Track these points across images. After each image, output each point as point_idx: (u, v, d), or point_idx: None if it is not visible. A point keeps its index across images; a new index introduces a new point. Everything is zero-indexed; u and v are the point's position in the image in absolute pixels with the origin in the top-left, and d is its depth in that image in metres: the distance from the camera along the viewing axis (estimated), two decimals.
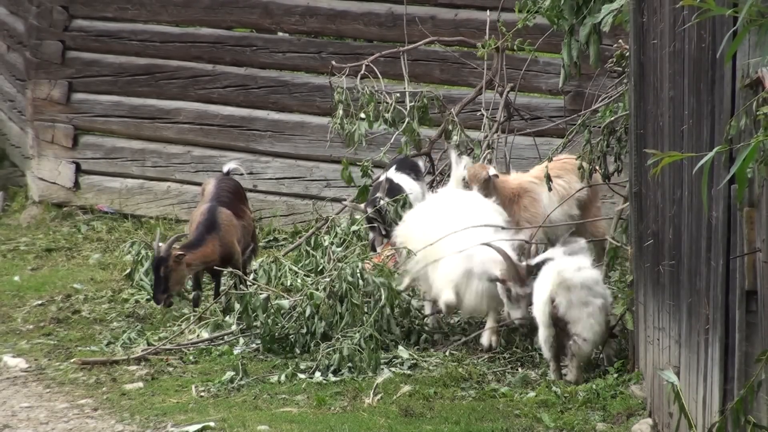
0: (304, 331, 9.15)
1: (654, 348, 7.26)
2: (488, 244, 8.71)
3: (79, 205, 14.06)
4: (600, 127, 9.84)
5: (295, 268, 9.87)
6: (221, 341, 9.52)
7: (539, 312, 8.28)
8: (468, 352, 9.15)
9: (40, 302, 10.99)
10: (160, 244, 9.84)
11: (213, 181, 10.69)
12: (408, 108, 10.57)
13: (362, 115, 10.49)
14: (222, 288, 10.44)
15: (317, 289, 9.21)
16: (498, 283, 8.75)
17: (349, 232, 10.36)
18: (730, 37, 4.94)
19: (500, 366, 8.86)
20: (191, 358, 9.24)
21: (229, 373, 8.66)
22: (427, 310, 9.52)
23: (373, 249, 10.20)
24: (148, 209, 13.81)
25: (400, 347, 9.08)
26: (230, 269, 10.11)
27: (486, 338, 9.07)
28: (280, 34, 13.42)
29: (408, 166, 10.61)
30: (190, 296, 10.35)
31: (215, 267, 10.11)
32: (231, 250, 10.10)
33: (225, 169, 10.87)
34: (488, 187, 9.76)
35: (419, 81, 12.38)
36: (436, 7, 12.69)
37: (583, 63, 9.43)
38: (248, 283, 9.71)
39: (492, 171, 9.82)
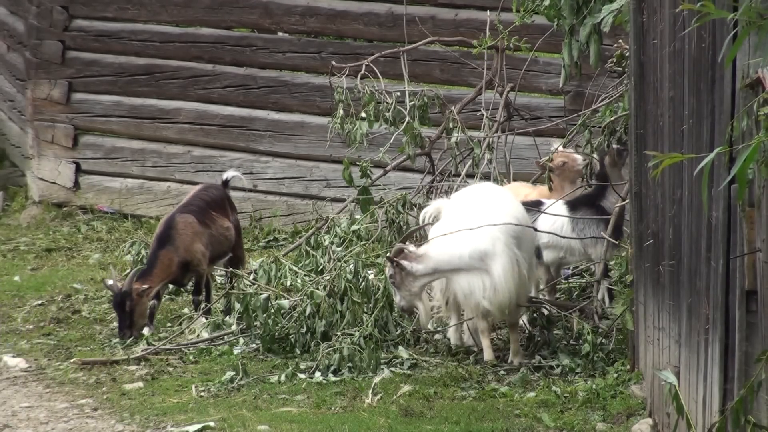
0: (304, 330, 9.16)
1: (654, 348, 7.27)
2: None
3: (79, 205, 14.06)
4: (600, 127, 9.85)
5: (295, 268, 9.87)
6: (221, 341, 9.53)
7: None
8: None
9: (40, 302, 11.00)
10: (110, 281, 9.75)
11: (193, 190, 10.64)
12: (408, 107, 10.56)
13: (363, 115, 10.49)
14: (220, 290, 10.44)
15: (317, 288, 9.23)
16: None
17: (349, 232, 10.36)
18: (730, 41, 4.94)
19: (500, 366, 8.87)
20: (191, 358, 9.24)
21: (229, 373, 8.66)
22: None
23: None
24: (148, 209, 13.82)
25: (401, 347, 9.08)
26: (231, 269, 10.13)
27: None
28: (280, 34, 13.42)
29: None
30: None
31: (177, 277, 10.02)
32: (189, 257, 9.96)
33: (225, 176, 10.80)
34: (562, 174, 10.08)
35: (419, 81, 12.38)
36: (436, 7, 12.70)
37: (584, 63, 9.44)
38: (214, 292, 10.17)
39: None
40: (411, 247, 8.93)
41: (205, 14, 13.55)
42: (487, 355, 8.87)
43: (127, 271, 10.05)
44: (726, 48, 4.98)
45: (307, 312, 9.15)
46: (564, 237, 9.46)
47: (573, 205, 9.58)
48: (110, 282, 9.76)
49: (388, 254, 9.04)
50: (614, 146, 9.55)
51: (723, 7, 4.82)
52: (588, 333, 8.78)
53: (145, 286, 9.69)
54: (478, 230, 8.66)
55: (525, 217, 8.98)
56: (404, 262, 8.81)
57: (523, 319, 9.38)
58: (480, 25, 11.67)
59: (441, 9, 12.67)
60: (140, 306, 9.71)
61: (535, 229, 9.19)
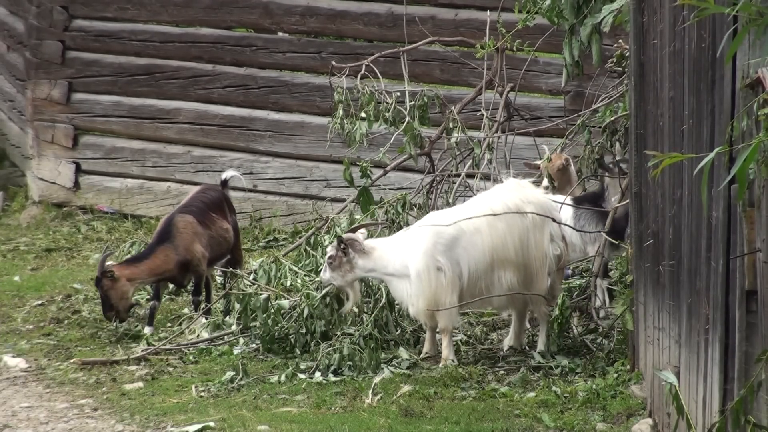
0: (304, 331, 9.17)
1: (654, 348, 7.27)
2: None
3: (79, 205, 14.06)
4: (600, 128, 9.86)
5: (295, 268, 9.86)
6: (221, 341, 9.53)
7: None
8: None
9: (40, 302, 11.00)
10: (109, 261, 9.84)
11: (192, 191, 10.65)
12: (408, 107, 10.56)
13: (363, 115, 10.48)
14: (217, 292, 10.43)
15: (316, 289, 9.24)
16: None
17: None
18: (729, 37, 4.94)
19: (500, 366, 8.87)
20: (191, 358, 9.24)
21: (229, 373, 8.66)
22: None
23: None
24: (148, 209, 13.82)
25: (401, 347, 9.09)
26: (231, 269, 10.13)
27: None
28: (280, 34, 13.42)
29: None
30: (147, 307, 10.14)
31: (176, 277, 10.04)
32: (189, 256, 9.96)
33: (224, 176, 10.81)
34: (563, 176, 10.19)
35: (419, 81, 12.38)
36: (436, 7, 12.70)
37: (584, 62, 9.44)
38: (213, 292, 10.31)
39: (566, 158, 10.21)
40: (363, 239, 9.01)
41: (205, 14, 13.55)
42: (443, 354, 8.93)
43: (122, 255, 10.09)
44: (725, 44, 4.99)
45: (305, 313, 9.16)
46: (571, 227, 9.60)
47: (578, 201, 9.78)
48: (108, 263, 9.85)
49: (338, 234, 9.10)
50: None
51: (723, 5, 4.82)
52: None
53: (114, 269, 9.67)
54: (409, 236, 8.90)
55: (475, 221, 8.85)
56: (350, 250, 8.89)
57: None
58: (480, 25, 11.68)
59: (441, 9, 12.67)
60: (115, 290, 9.70)
61: (558, 222, 9.19)
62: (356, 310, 9.29)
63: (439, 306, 8.73)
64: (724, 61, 5.20)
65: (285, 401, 8.22)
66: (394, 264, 8.88)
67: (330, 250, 9.03)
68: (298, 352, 9.14)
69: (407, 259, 8.82)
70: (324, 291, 9.18)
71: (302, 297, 9.25)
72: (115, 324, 9.84)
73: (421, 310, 8.78)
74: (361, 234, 9.09)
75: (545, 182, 10.12)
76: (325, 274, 9.05)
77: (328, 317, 9.17)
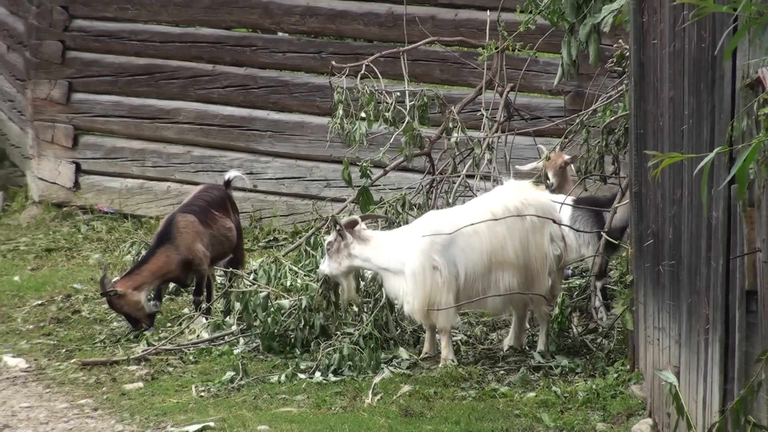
0: (302, 324, 9.16)
1: (654, 348, 7.27)
2: None
3: (79, 205, 14.06)
4: (600, 128, 9.86)
5: (295, 268, 9.87)
6: (221, 341, 9.53)
7: None
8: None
9: (40, 302, 11.00)
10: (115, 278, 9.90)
11: (195, 190, 10.66)
12: (408, 107, 10.56)
13: (363, 115, 10.49)
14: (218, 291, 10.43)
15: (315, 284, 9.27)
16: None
17: None
18: (729, 35, 4.94)
19: (500, 366, 8.87)
20: (191, 358, 9.24)
21: (229, 373, 8.67)
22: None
23: None
24: (148, 209, 13.82)
25: (401, 348, 9.09)
26: (231, 269, 10.13)
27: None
28: (280, 34, 13.43)
29: None
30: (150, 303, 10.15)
31: (180, 277, 10.06)
32: (191, 255, 9.96)
33: (227, 176, 10.80)
34: (563, 174, 10.16)
35: (419, 81, 12.38)
36: (436, 7, 12.70)
37: (583, 62, 9.44)
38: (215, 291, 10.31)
39: (566, 157, 10.19)
40: (364, 228, 8.99)
41: (205, 14, 13.55)
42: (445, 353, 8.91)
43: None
44: (725, 41, 4.99)
45: (303, 305, 9.15)
46: (569, 226, 9.58)
47: (578, 201, 9.81)
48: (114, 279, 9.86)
49: (337, 217, 9.10)
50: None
51: (723, 4, 4.82)
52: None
53: (117, 286, 9.70)
54: (407, 232, 8.88)
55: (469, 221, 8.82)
56: (348, 233, 8.87)
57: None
58: (480, 25, 11.68)
59: (441, 9, 12.68)
60: (128, 304, 9.74)
61: (559, 222, 9.18)
62: (356, 309, 9.30)
63: (435, 305, 8.72)
64: (723, 59, 5.20)
65: (285, 401, 8.22)
66: (390, 258, 8.86)
67: (330, 237, 9.02)
68: (298, 352, 9.14)
69: (403, 256, 8.80)
70: (321, 282, 9.18)
71: (301, 291, 9.26)
72: (146, 328, 9.90)
73: (416, 309, 8.77)
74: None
75: (549, 181, 10.10)
76: (323, 264, 9.04)
77: (326, 311, 9.17)
